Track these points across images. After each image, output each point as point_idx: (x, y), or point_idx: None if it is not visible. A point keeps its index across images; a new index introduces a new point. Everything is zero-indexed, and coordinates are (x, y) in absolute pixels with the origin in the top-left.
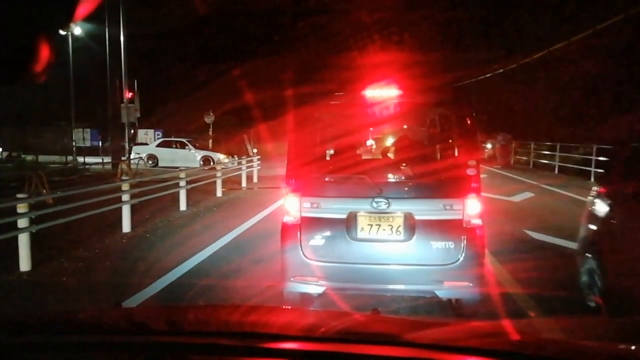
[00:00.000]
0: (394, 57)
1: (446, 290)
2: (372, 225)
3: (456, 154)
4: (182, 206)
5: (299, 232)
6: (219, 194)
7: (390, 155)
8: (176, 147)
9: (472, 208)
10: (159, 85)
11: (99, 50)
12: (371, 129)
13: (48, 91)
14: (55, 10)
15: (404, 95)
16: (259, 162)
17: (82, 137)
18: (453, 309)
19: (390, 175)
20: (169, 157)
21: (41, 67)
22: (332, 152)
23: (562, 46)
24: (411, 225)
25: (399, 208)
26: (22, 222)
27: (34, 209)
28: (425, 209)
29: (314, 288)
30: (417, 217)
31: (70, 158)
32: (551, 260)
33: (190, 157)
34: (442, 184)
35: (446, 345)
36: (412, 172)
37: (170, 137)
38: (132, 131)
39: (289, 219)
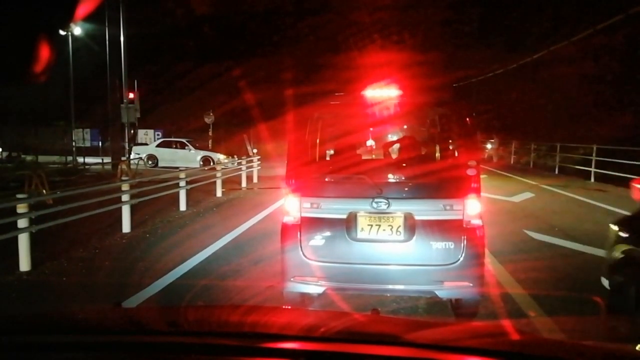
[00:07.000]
0: (394, 57)
1: (446, 290)
2: (372, 225)
3: (456, 154)
4: (182, 206)
5: (299, 232)
6: (218, 194)
7: (391, 155)
8: (176, 148)
9: (472, 208)
10: (159, 85)
11: (99, 50)
12: (371, 129)
13: (48, 91)
14: (55, 10)
15: (404, 95)
16: (259, 162)
17: (82, 137)
18: (453, 309)
19: (390, 176)
20: (168, 157)
21: (41, 67)
22: (332, 152)
23: (562, 46)
24: (411, 226)
25: (399, 208)
26: (22, 222)
27: (34, 209)
28: (425, 209)
29: (314, 288)
30: (417, 217)
31: (70, 158)
32: (551, 260)
33: (190, 157)
34: (442, 184)
35: (446, 345)
36: (412, 172)
37: (170, 137)
38: (132, 131)
39: (289, 219)
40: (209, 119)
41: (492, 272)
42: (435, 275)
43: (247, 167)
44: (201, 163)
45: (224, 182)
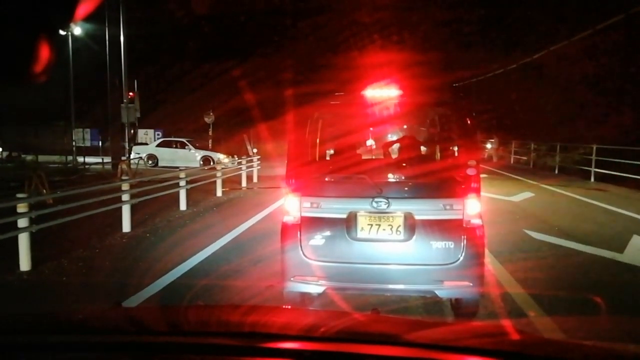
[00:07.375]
0: (394, 57)
1: (446, 290)
2: (372, 225)
3: (456, 154)
4: (182, 206)
5: (299, 232)
6: (219, 193)
7: (391, 155)
8: (176, 147)
9: (472, 208)
10: (159, 85)
11: (99, 50)
12: (371, 129)
13: (48, 91)
14: (55, 10)
15: (404, 95)
16: (259, 162)
17: (82, 137)
18: (453, 308)
19: (390, 175)
20: (169, 157)
21: (41, 67)
22: (332, 152)
23: (562, 46)
24: (411, 225)
25: (399, 208)
26: (22, 222)
27: (34, 209)
28: (425, 209)
29: (314, 288)
30: (417, 217)
31: (70, 158)
32: (551, 260)
33: (190, 157)
34: (442, 184)
35: (446, 345)
36: (412, 172)
37: (170, 137)
38: (132, 131)
39: (289, 218)
40: (209, 119)
41: (492, 271)
42: (435, 274)
43: (247, 167)
44: (201, 163)
45: (224, 182)
